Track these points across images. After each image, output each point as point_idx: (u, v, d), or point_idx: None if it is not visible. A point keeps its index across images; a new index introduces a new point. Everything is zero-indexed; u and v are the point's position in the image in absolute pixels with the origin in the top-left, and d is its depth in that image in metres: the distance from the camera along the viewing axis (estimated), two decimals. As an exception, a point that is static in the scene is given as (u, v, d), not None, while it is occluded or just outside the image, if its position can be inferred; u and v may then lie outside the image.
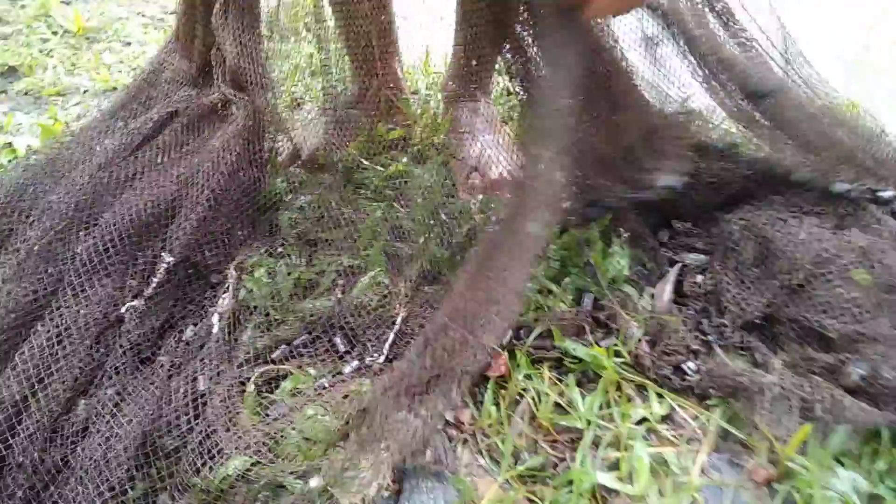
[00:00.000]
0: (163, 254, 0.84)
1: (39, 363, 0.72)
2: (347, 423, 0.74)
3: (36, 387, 0.71)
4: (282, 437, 0.70)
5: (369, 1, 1.05)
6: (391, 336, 0.80)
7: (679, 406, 0.76)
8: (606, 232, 0.97)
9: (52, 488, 0.66)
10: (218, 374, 0.76)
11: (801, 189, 0.96)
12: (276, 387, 0.78)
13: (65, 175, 0.91)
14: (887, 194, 0.94)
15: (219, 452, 0.69)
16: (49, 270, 0.79)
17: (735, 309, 0.86)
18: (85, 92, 1.40)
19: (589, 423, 0.74)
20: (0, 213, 0.86)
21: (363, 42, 1.11)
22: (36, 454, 0.67)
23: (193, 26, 1.05)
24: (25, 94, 1.38)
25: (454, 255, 0.93)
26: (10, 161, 1.15)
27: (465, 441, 0.75)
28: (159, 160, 0.94)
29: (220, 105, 1.03)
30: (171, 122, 1.01)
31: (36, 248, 0.80)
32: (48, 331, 0.74)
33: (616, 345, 0.82)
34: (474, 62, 1.16)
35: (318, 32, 1.09)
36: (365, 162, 1.12)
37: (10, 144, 1.18)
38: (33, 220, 0.85)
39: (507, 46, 1.04)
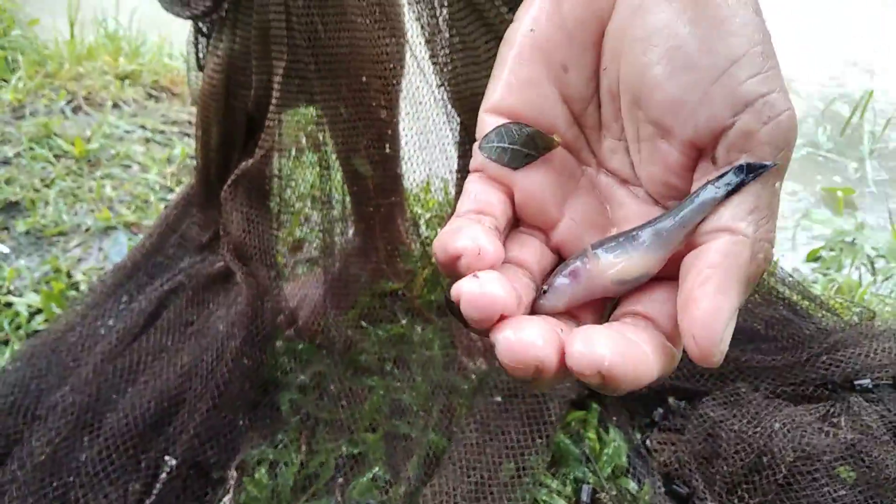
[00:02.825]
0: (166, 457, 0.84)
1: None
2: None
3: None
4: None
5: (373, 165, 1.07)
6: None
7: None
8: (604, 413, 0.99)
9: None
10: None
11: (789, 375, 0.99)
12: None
13: (68, 367, 0.92)
14: (864, 382, 0.96)
15: None
16: (54, 484, 0.79)
17: None
18: (86, 230, 1.41)
19: None
20: (6, 413, 0.86)
21: (366, 202, 1.14)
22: None
23: (207, 196, 1.08)
24: (27, 233, 1.40)
25: (453, 441, 0.94)
26: (10, 322, 1.16)
27: None
28: (164, 343, 0.95)
29: (223, 275, 1.05)
30: (175, 295, 1.03)
31: (42, 458, 0.80)
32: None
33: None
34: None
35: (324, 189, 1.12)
36: (365, 325, 1.14)
37: (9, 305, 1.19)
38: (38, 424, 0.85)
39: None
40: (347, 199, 1.21)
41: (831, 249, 1.56)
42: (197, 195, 1.13)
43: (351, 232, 1.23)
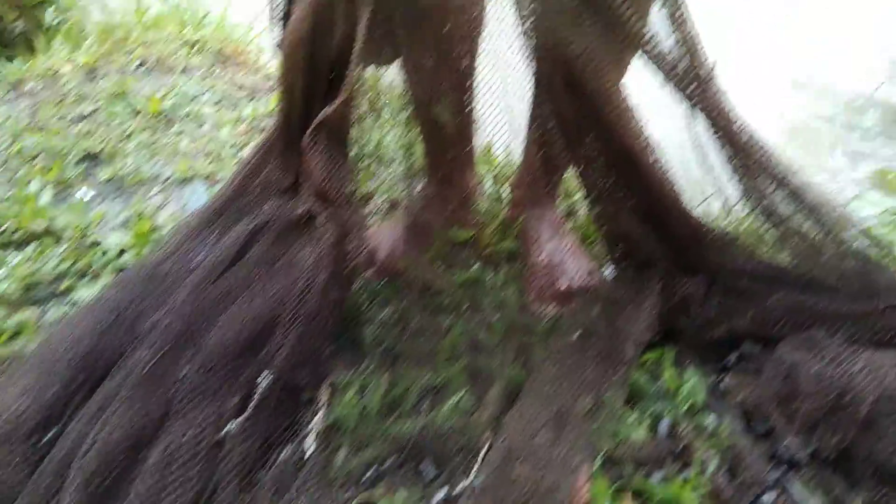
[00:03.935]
0: (265, 372, 0.88)
1: (154, 488, 0.77)
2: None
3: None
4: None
5: (453, 113, 1.10)
6: (475, 468, 0.84)
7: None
8: (679, 355, 1.01)
9: None
10: (317, 498, 0.80)
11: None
12: (369, 510, 0.82)
13: (165, 292, 0.96)
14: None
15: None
16: (157, 396, 0.84)
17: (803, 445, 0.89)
18: (165, 181, 1.47)
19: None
20: (108, 331, 0.91)
21: (441, 158, 1.17)
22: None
23: (289, 140, 1.11)
24: (109, 181, 1.45)
25: (532, 374, 0.96)
26: (101, 258, 1.21)
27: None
28: (253, 276, 0.99)
29: (306, 217, 1.08)
30: (261, 234, 1.07)
31: (145, 372, 0.85)
32: (160, 455, 0.79)
33: (691, 479, 0.85)
34: (543, 171, 1.21)
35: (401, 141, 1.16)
36: (439, 268, 1.17)
37: (97, 244, 1.24)
38: (139, 339, 0.90)
39: (578, 160, 1.08)
40: (420, 151, 1.25)
41: (884, 226, 1.54)
42: (278, 141, 1.16)
43: (424, 182, 1.27)
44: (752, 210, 1.03)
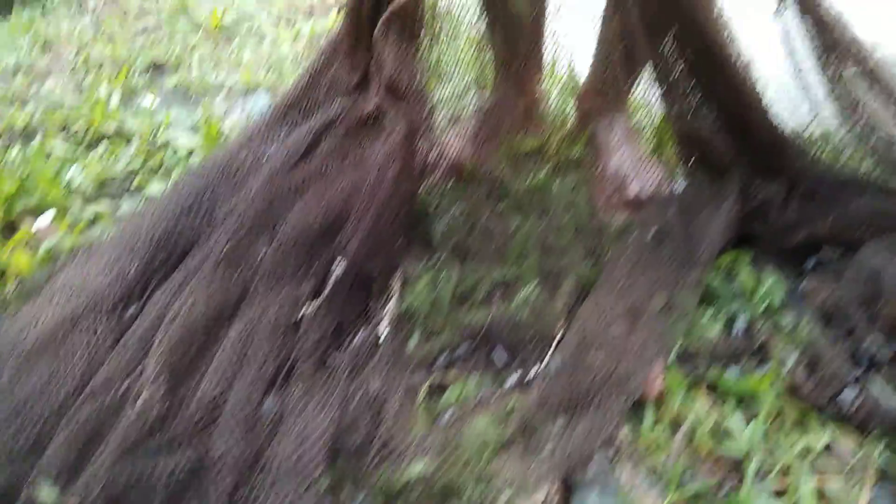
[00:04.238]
0: (338, 258, 0.89)
1: (234, 360, 0.78)
2: (511, 434, 0.78)
3: (230, 384, 0.77)
4: (456, 444, 0.74)
5: (526, 19, 1.07)
6: (548, 355, 0.83)
7: (840, 437, 0.77)
8: (756, 258, 0.98)
9: (249, 484, 0.72)
10: (391, 378, 0.81)
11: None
12: (441, 393, 0.83)
13: (239, 181, 0.97)
14: None
15: (399, 455, 0.73)
16: (235, 277, 0.85)
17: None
18: (229, 90, 1.47)
19: (749, 451, 0.76)
20: (186, 214, 0.92)
21: (512, 57, 1.15)
22: (234, 450, 0.72)
23: (357, 37, 1.09)
24: (174, 89, 1.46)
25: (605, 270, 0.95)
26: (172, 157, 1.22)
27: (624, 460, 0.77)
28: (324, 169, 0.99)
29: (375, 114, 1.07)
30: (329, 130, 1.06)
31: (223, 253, 0.86)
32: (240, 330, 0.81)
33: (768, 374, 0.83)
34: (615, 78, 1.17)
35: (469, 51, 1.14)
36: (507, 172, 1.15)
37: (167, 144, 1.25)
38: (216, 224, 0.91)
39: (658, 56, 1.04)
40: (488, 58, 1.22)
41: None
42: (346, 37, 1.15)
43: (492, 90, 1.25)
44: (839, 109, 0.98)
